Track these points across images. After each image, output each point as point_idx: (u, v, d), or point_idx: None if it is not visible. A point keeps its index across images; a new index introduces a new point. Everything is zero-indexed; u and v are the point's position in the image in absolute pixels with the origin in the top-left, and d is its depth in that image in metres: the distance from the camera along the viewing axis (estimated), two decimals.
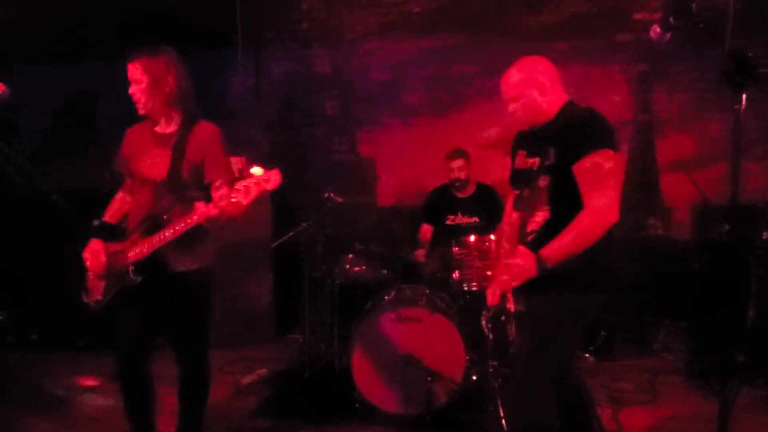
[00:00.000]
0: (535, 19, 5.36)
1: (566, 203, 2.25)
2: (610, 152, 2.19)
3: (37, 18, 4.77)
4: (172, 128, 2.74)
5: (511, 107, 2.44)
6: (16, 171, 2.77)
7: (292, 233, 4.61)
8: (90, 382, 3.70)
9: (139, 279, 2.59)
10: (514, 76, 2.43)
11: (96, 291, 2.73)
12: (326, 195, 4.33)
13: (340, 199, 4.35)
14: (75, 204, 2.85)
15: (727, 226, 4.14)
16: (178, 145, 2.68)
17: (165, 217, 2.62)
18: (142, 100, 2.67)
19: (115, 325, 2.71)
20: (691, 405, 3.67)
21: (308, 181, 5.59)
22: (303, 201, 4.47)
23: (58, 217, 2.85)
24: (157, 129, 2.77)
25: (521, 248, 2.23)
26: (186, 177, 2.65)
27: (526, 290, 2.33)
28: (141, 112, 2.71)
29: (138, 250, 2.61)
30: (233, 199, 2.39)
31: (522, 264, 2.19)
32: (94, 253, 2.70)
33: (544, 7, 5.33)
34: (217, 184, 2.68)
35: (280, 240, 4.81)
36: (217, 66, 5.70)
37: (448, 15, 5.56)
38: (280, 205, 5.28)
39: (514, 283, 2.27)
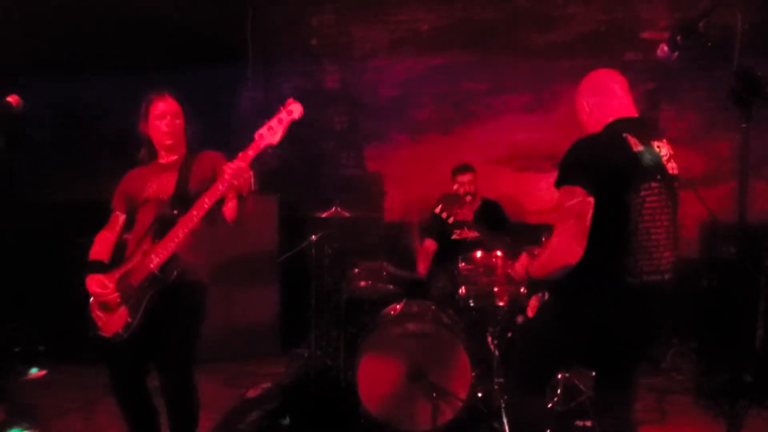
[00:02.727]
0: (543, 38, 5.40)
1: None
2: (573, 189, 2.09)
3: (48, 33, 4.83)
4: (176, 156, 2.83)
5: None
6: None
7: (299, 247, 4.62)
8: None
9: (174, 274, 2.52)
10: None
11: (110, 324, 2.58)
12: (334, 209, 4.34)
13: (347, 214, 4.36)
14: (79, 216, 2.86)
15: (735, 247, 4.11)
16: (185, 166, 2.75)
17: (175, 212, 2.57)
18: (180, 132, 2.80)
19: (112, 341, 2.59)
20: (700, 425, 3.63)
21: (316, 196, 5.62)
22: (310, 215, 4.50)
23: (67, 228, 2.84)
24: (161, 161, 2.85)
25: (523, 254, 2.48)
26: (192, 192, 2.64)
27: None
28: (169, 142, 2.78)
29: (160, 251, 2.52)
30: (263, 144, 2.44)
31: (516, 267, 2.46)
32: (101, 285, 2.59)
33: (552, 25, 5.37)
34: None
35: (287, 254, 4.83)
36: (227, 80, 5.76)
37: (457, 33, 5.60)
38: (287, 219, 5.30)
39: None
